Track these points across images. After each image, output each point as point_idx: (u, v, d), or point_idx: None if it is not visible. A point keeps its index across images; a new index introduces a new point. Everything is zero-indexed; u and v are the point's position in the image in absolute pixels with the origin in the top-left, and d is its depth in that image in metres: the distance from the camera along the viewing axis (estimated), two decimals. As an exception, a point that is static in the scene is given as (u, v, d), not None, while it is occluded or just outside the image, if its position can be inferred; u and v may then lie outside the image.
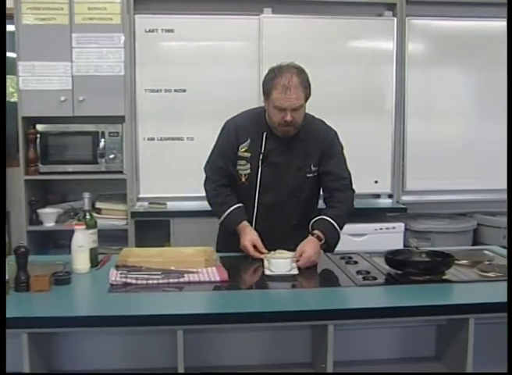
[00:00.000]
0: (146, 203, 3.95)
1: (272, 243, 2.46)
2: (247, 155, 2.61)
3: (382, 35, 4.04)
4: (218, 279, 2.18)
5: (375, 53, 4.04)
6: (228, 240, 2.63)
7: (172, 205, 3.94)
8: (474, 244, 4.06)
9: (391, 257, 2.28)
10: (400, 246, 3.65)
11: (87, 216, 2.37)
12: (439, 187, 4.21)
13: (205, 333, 2.06)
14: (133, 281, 2.14)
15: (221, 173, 2.65)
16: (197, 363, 2.03)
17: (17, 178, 3.77)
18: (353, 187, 2.66)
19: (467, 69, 4.22)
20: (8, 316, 1.76)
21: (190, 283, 2.16)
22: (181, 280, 2.17)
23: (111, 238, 3.65)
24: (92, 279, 2.25)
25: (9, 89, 4.30)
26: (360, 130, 3.90)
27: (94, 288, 2.21)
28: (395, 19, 4.04)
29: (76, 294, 2.12)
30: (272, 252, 2.39)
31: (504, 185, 4.10)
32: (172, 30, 3.87)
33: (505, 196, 4.19)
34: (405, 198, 4.18)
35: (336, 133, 2.68)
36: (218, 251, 2.62)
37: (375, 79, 4.06)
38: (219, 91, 3.89)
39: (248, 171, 2.61)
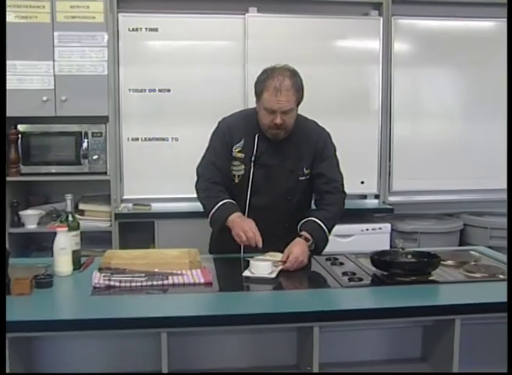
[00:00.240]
0: (130, 204, 3.93)
1: (264, 245, 2.46)
2: (241, 156, 2.60)
3: (368, 35, 4.06)
4: (202, 281, 2.18)
5: (360, 53, 4.05)
6: (221, 241, 2.61)
7: (156, 207, 3.93)
8: (460, 245, 4.09)
9: (377, 258, 2.29)
10: (387, 247, 3.67)
11: (70, 218, 2.36)
12: (426, 188, 4.24)
13: (190, 335, 2.05)
14: (117, 284, 2.13)
15: (214, 171, 2.60)
16: (182, 366, 2.03)
17: (-2, 179, 3.73)
18: (345, 189, 2.66)
19: (454, 69, 4.25)
20: (-12, 319, 1.74)
21: (174, 285, 2.15)
22: (165, 282, 2.16)
23: (94, 240, 3.64)
24: (75, 282, 2.24)
25: (-10, 89, 4.26)
26: (346, 131, 3.90)
27: (76, 291, 2.19)
28: (381, 19, 4.06)
29: (58, 298, 2.11)
30: (266, 254, 2.39)
31: (492, 185, 4.20)
32: (156, 29, 3.86)
33: (492, 196, 4.27)
34: (391, 198, 4.20)
35: (328, 134, 2.68)
36: (210, 252, 2.63)
37: (360, 79, 4.08)
38: (204, 90, 3.89)
39: (242, 172, 2.61)
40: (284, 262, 2.34)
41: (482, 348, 2.13)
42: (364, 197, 4.23)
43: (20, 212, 3.78)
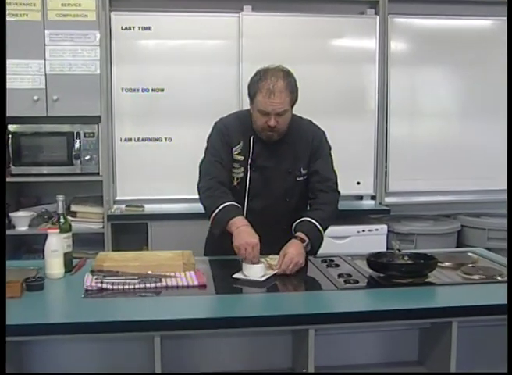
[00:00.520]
0: (123, 206, 3.93)
1: (263, 248, 2.45)
2: (240, 158, 2.59)
3: (364, 34, 4.07)
4: (196, 283, 2.18)
5: (356, 52, 4.06)
6: (217, 243, 2.59)
7: (149, 208, 3.92)
8: (458, 246, 4.10)
9: (373, 260, 2.30)
10: (383, 248, 3.67)
11: (61, 220, 2.35)
12: (423, 189, 4.25)
13: (183, 339, 2.05)
14: (109, 286, 2.12)
15: (220, 168, 2.54)
16: (175, 370, 2.02)
17: (-12, 180, 3.72)
18: (338, 188, 2.66)
19: (451, 68, 4.26)
20: (-23, 323, 1.73)
21: (167, 287, 2.15)
22: (158, 284, 2.16)
23: (86, 242, 3.63)
24: (66, 284, 2.23)
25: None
26: (341, 131, 3.92)
27: (68, 294, 2.19)
28: (377, 18, 4.06)
29: (49, 301, 2.10)
30: (268, 257, 2.38)
31: (489, 186, 4.22)
32: (149, 28, 3.86)
33: (490, 197, 4.29)
34: (388, 199, 4.21)
35: (323, 133, 2.68)
36: (205, 254, 2.63)
37: (356, 78, 4.09)
38: (198, 90, 3.89)
39: (241, 175, 2.60)
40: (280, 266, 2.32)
41: (480, 351, 2.13)
42: (361, 198, 4.24)
43: (11, 214, 3.76)
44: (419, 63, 4.19)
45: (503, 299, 1.98)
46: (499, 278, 2.29)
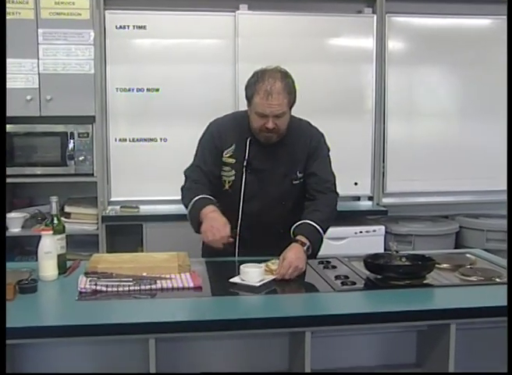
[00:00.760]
0: (117, 207, 3.93)
1: (259, 251, 2.45)
2: (232, 161, 2.58)
3: (361, 33, 4.08)
4: (191, 285, 2.18)
5: (354, 51, 4.07)
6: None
7: (144, 209, 3.92)
8: (456, 247, 4.11)
9: (370, 261, 2.30)
10: (381, 250, 3.68)
11: (55, 221, 2.35)
12: (421, 189, 4.26)
13: (179, 341, 2.05)
14: (103, 289, 2.12)
15: (202, 174, 2.58)
16: (170, 373, 2.02)
17: (-19, 181, 3.72)
18: (337, 190, 2.65)
19: (449, 68, 4.27)
20: (-30, 326, 1.73)
21: (162, 289, 2.15)
22: (153, 286, 2.16)
23: (81, 244, 3.63)
24: (60, 287, 2.23)
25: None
26: (339, 131, 3.91)
27: (61, 296, 2.19)
28: (375, 17, 4.07)
29: (42, 303, 2.10)
30: (269, 262, 2.34)
31: (488, 187, 4.23)
32: (144, 27, 3.86)
33: (488, 198, 4.30)
34: (385, 200, 4.22)
35: (322, 135, 2.66)
36: (203, 256, 2.63)
37: (354, 78, 4.10)
38: (193, 90, 3.89)
39: (232, 178, 2.59)
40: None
41: (478, 353, 2.14)
42: (358, 198, 4.24)
43: (4, 215, 3.76)
44: (417, 63, 4.20)
45: (501, 301, 1.99)
46: (497, 280, 2.29)
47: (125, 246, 3.69)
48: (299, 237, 2.40)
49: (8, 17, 3.57)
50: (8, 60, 3.58)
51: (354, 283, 2.23)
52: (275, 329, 1.96)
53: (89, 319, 1.88)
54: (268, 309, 2.04)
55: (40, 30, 3.63)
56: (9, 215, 3.79)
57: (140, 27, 3.86)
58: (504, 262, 2.53)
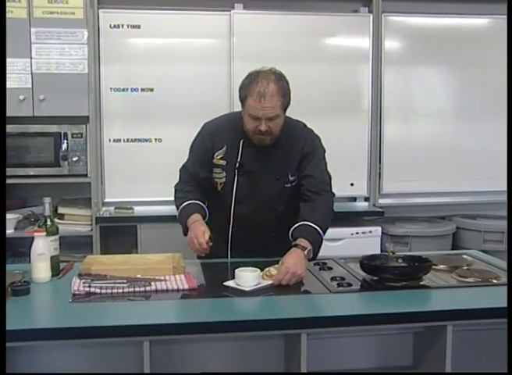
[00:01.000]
0: (112, 208, 3.92)
1: (251, 252, 2.46)
2: (223, 162, 2.58)
3: (357, 32, 4.08)
4: (186, 287, 2.18)
5: (350, 51, 4.07)
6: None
7: (139, 210, 3.92)
8: (453, 249, 4.11)
9: (366, 262, 2.30)
10: (377, 251, 3.68)
11: (48, 222, 2.35)
12: (417, 190, 4.26)
13: (173, 344, 2.05)
14: (97, 291, 2.12)
15: (190, 176, 2.64)
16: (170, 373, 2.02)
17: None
18: (332, 190, 2.64)
19: (446, 68, 4.27)
20: (-39, 329, 1.73)
21: (157, 291, 2.15)
22: (148, 288, 2.15)
23: (74, 245, 3.63)
24: (53, 289, 2.23)
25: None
26: (335, 131, 3.92)
27: (55, 299, 2.18)
28: (371, 16, 4.08)
29: (35, 306, 2.09)
30: (271, 267, 2.30)
31: (485, 187, 4.24)
32: (138, 26, 3.86)
33: (486, 198, 4.30)
34: (382, 201, 4.22)
35: (317, 136, 2.65)
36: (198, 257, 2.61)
37: (350, 78, 4.10)
38: (188, 90, 3.89)
39: (223, 180, 2.59)
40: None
41: (475, 355, 2.14)
42: (354, 199, 4.25)
43: (-4, 216, 3.75)
44: (414, 62, 4.20)
45: (498, 302, 2.00)
46: (494, 281, 2.30)
47: (119, 247, 3.68)
48: (299, 241, 2.33)
49: (0, 16, 3.57)
50: (0, 59, 3.59)
51: (350, 285, 2.23)
52: (270, 331, 1.96)
53: (82, 321, 1.88)
54: (263, 311, 2.04)
55: (33, 29, 3.62)
56: (2, 216, 3.78)
57: (134, 26, 3.85)
58: (502, 263, 2.54)
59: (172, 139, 3.89)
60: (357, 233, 3.89)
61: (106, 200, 3.94)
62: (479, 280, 2.31)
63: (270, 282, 2.23)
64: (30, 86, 3.65)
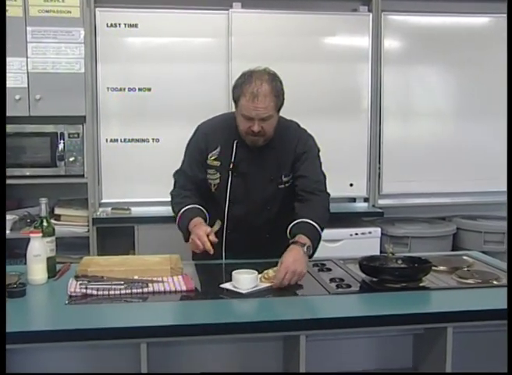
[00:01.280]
0: (109, 209, 3.92)
1: (246, 253, 2.46)
2: (217, 163, 2.58)
3: (356, 31, 4.08)
4: (184, 288, 2.18)
5: (349, 50, 4.07)
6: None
7: (136, 211, 3.92)
8: (453, 250, 4.11)
9: (366, 263, 2.30)
10: (377, 252, 3.68)
11: (44, 223, 2.34)
12: (417, 190, 4.26)
13: (171, 346, 2.05)
14: (94, 292, 2.12)
15: (188, 179, 2.63)
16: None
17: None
18: (328, 190, 2.64)
19: (446, 67, 4.28)
20: (-44, 331, 1.72)
21: (154, 293, 2.15)
22: (145, 290, 2.15)
23: (71, 246, 3.62)
24: (49, 290, 2.22)
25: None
26: (334, 131, 3.93)
27: (51, 300, 2.18)
28: (370, 15, 4.08)
29: (31, 308, 2.09)
30: (271, 269, 2.28)
31: (486, 188, 4.24)
32: (135, 25, 3.85)
33: (486, 199, 4.30)
34: (381, 201, 4.22)
35: (310, 136, 2.65)
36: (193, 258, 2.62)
37: (349, 77, 4.10)
38: (186, 89, 3.89)
39: (217, 181, 2.59)
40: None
41: (475, 357, 2.14)
42: (353, 200, 4.25)
43: (-8, 217, 3.75)
44: (413, 62, 4.21)
45: (499, 304, 2.00)
46: (495, 282, 2.30)
47: (116, 249, 3.67)
48: (298, 238, 2.31)
49: (-4, 15, 3.57)
50: (-4, 59, 3.59)
51: (349, 286, 2.23)
52: (269, 333, 1.96)
53: (79, 323, 1.88)
54: (261, 313, 2.04)
55: (28, 28, 3.62)
56: (-2, 217, 3.78)
57: (131, 25, 3.85)
58: (502, 264, 2.54)
59: (170, 139, 3.88)
60: (357, 234, 3.89)
61: (103, 201, 3.94)
62: (479, 281, 2.31)
63: (268, 284, 2.22)
64: (26, 85, 3.65)
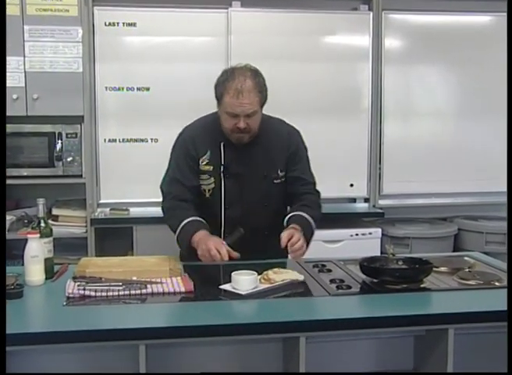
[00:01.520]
0: (107, 209, 3.92)
1: (245, 255, 2.45)
2: (209, 168, 2.58)
3: (357, 30, 4.08)
4: (183, 290, 2.17)
5: (350, 49, 4.08)
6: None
7: (135, 212, 3.92)
8: (455, 250, 4.12)
9: (366, 264, 2.30)
10: (377, 253, 3.67)
11: (42, 224, 2.34)
12: (418, 191, 4.27)
13: (169, 347, 2.05)
14: (92, 293, 2.11)
15: (180, 187, 2.58)
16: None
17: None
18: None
19: (447, 66, 4.28)
20: (-47, 333, 1.72)
21: (153, 294, 2.14)
22: (144, 291, 2.15)
23: (69, 247, 3.62)
24: (47, 292, 2.22)
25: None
26: (334, 131, 3.93)
27: (48, 302, 2.18)
28: (371, 14, 4.08)
29: (28, 309, 2.09)
30: (270, 271, 2.30)
31: (487, 188, 4.24)
32: (134, 24, 3.86)
33: (487, 199, 4.30)
34: (382, 202, 4.22)
35: (298, 133, 2.68)
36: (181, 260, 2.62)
37: (349, 77, 4.10)
38: (185, 89, 3.89)
39: (212, 185, 2.58)
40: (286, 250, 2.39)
41: (477, 359, 2.14)
42: (354, 200, 4.25)
43: (-11, 218, 3.74)
44: (414, 61, 4.21)
45: (500, 305, 2.00)
46: (496, 283, 2.29)
47: (114, 249, 3.68)
48: (292, 226, 2.48)
49: (-7, 13, 3.57)
50: (-7, 58, 3.59)
51: (350, 287, 2.23)
52: (268, 334, 1.96)
53: (77, 325, 1.87)
54: (261, 314, 2.04)
55: (26, 27, 3.62)
56: (-5, 217, 3.78)
57: (130, 24, 3.86)
58: (504, 265, 2.53)
59: (169, 139, 3.81)
60: (357, 234, 3.89)
61: (101, 201, 3.94)
62: (481, 282, 2.30)
63: (267, 286, 2.23)
64: (24, 85, 3.65)
